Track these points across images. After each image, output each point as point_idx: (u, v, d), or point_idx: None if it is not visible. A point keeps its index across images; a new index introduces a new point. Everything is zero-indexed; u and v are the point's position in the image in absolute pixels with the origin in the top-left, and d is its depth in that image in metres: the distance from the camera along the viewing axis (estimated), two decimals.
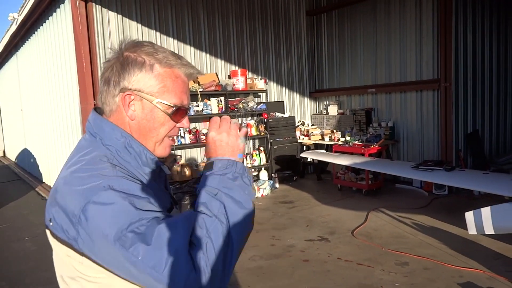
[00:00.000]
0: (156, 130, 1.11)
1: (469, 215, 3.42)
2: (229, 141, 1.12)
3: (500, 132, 8.35)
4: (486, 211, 3.28)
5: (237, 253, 1.01)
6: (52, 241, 1.07)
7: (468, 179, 4.83)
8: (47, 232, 1.08)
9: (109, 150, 1.08)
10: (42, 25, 8.56)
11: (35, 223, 6.77)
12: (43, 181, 9.75)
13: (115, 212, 0.94)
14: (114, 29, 7.04)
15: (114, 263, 0.96)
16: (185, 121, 1.16)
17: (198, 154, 8.29)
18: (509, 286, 3.79)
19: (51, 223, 1.04)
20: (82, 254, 0.99)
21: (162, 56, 1.09)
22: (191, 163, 7.84)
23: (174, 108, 1.11)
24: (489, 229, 3.29)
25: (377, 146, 7.55)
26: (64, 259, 1.05)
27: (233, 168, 1.07)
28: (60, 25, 7.42)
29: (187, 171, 7.36)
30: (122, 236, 0.91)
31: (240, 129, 1.16)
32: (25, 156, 11.91)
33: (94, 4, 6.73)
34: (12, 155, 15.09)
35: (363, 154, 7.26)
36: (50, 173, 9.12)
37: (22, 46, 10.87)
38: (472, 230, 3.45)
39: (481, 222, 3.29)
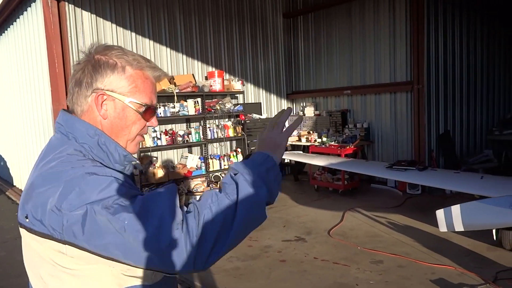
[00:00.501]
0: (128, 128, 1.16)
1: (439, 213, 3.52)
2: (278, 138, 1.15)
3: (471, 133, 8.62)
4: (455, 209, 3.38)
5: (235, 237, 1.00)
6: (29, 238, 1.06)
7: (440, 179, 4.96)
8: (22, 231, 1.08)
9: (83, 147, 1.11)
10: (12, 24, 8.31)
11: (5, 228, 6.55)
12: (14, 184, 9.45)
13: (101, 190, 0.97)
14: (87, 29, 6.90)
15: (99, 237, 0.95)
16: (153, 120, 1.21)
17: (174, 156, 8.21)
18: (478, 281, 3.91)
19: (27, 220, 1.04)
20: (64, 242, 0.99)
21: (132, 58, 1.15)
22: (168, 165, 7.76)
23: (145, 107, 1.16)
24: (458, 226, 3.39)
25: (352, 147, 7.67)
26: (43, 256, 1.05)
27: (264, 159, 1.08)
28: (31, 24, 7.22)
29: (163, 173, 7.28)
30: (110, 206, 0.95)
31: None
32: None
33: (66, 3, 6.58)
34: None
35: (339, 155, 7.36)
36: (21, 176, 8.85)
37: None
38: (442, 227, 3.55)
39: (451, 219, 3.39)
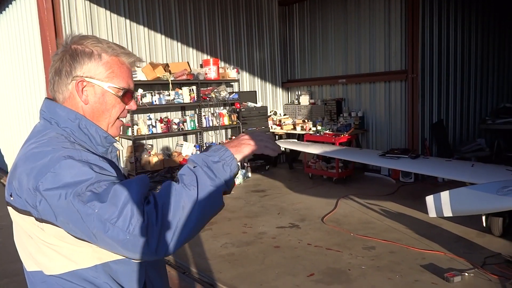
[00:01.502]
0: (109, 112, 1.23)
1: (429, 199, 3.59)
2: (244, 141, 1.20)
3: (464, 122, 8.70)
4: (445, 195, 3.45)
5: (195, 225, 1.05)
6: (15, 215, 1.12)
7: (432, 167, 5.03)
8: (9, 209, 1.14)
9: (65, 131, 1.17)
10: (4, 10, 8.22)
11: (0, 215, 6.57)
12: (8, 172, 9.44)
13: (74, 175, 1.01)
14: (81, 15, 6.84)
15: (72, 221, 1.00)
16: (132, 103, 1.28)
17: (170, 143, 8.23)
18: (466, 266, 4.00)
19: (11, 198, 1.10)
20: (41, 220, 1.05)
21: (107, 46, 1.22)
22: (164, 153, 7.79)
23: (123, 91, 1.23)
24: (447, 212, 3.47)
25: (347, 135, 7.72)
26: (28, 232, 1.11)
27: (222, 153, 1.13)
28: (24, 10, 7.15)
29: (159, 161, 7.31)
30: (82, 193, 0.99)
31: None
32: None
33: None
34: None
35: (333, 143, 7.41)
36: None
37: None
38: (432, 213, 3.62)
39: (440, 205, 3.46)
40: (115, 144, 1.26)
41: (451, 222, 5.18)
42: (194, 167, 1.09)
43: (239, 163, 1.16)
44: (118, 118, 1.26)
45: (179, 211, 1.02)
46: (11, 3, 7.73)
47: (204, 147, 8.19)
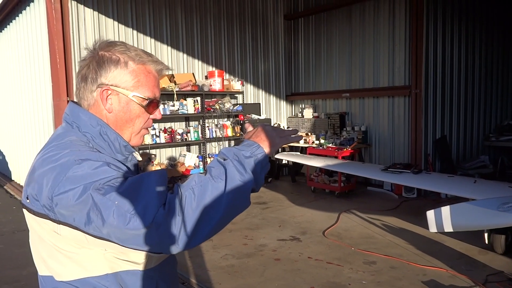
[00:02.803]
0: (132, 122, 1.21)
1: (430, 214, 3.58)
2: (273, 134, 1.17)
3: (467, 138, 8.68)
4: (445, 210, 3.44)
5: (220, 220, 1.03)
6: (31, 218, 1.11)
7: (434, 182, 5.02)
8: (25, 212, 1.13)
9: (85, 136, 1.16)
10: (14, 19, 8.36)
11: (2, 221, 6.59)
12: (12, 179, 9.49)
13: (93, 173, 1.01)
14: (90, 25, 6.95)
15: (92, 217, 0.98)
16: (157, 113, 1.25)
17: (173, 154, 8.27)
18: (468, 283, 3.97)
19: (28, 200, 1.09)
20: (58, 222, 1.04)
21: (134, 54, 1.19)
22: (169, 163, 7.82)
23: (148, 101, 1.21)
24: (448, 227, 3.45)
25: (350, 149, 7.73)
26: (42, 236, 1.10)
27: (255, 149, 1.10)
28: (33, 20, 7.27)
29: None
30: (100, 187, 0.99)
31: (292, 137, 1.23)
32: None
33: None
34: None
35: (336, 157, 7.42)
36: (19, 171, 8.89)
37: None
38: (432, 228, 3.60)
39: (441, 220, 3.44)
40: (134, 153, 1.25)
41: (453, 239, 5.15)
42: (224, 159, 1.07)
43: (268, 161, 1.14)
44: (142, 127, 1.24)
45: (203, 203, 1.00)
46: (21, 13, 7.88)
47: (210, 159, 8.21)
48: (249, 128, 1.25)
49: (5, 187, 9.18)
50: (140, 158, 1.29)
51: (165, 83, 7.48)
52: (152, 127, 7.45)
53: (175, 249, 1.00)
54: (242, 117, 8.60)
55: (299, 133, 9.33)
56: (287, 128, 1.18)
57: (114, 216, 0.96)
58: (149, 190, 0.99)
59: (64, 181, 1.00)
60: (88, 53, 1.21)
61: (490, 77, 8.99)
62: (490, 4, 8.72)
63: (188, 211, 0.99)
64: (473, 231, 4.76)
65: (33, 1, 7.19)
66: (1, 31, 9.58)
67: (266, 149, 1.13)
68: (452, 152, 8.30)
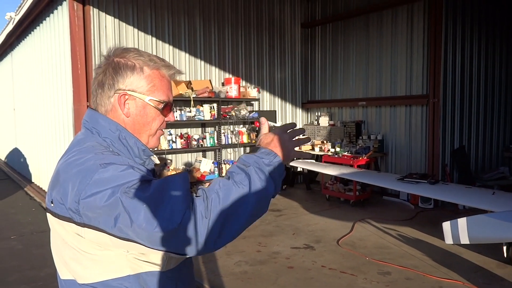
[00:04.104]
0: (149, 125, 1.25)
1: (446, 225, 3.53)
2: (289, 144, 1.21)
3: (487, 149, 8.53)
4: (462, 222, 3.38)
5: (243, 224, 1.06)
6: (54, 222, 1.14)
7: (451, 193, 4.94)
8: (48, 215, 1.17)
9: (105, 142, 1.20)
10: (38, 26, 8.62)
11: (21, 222, 6.74)
12: (32, 181, 9.71)
13: (119, 177, 1.04)
14: (110, 32, 7.12)
15: (119, 219, 1.01)
16: (171, 115, 1.31)
17: (188, 159, 8.34)
18: None
19: (52, 205, 1.13)
20: (83, 225, 1.06)
21: (148, 59, 1.23)
22: (185, 168, 7.89)
23: (164, 104, 1.25)
24: (464, 239, 3.39)
25: (365, 158, 7.67)
26: (65, 239, 1.13)
27: (272, 158, 1.14)
28: (56, 27, 7.48)
29: None
30: (128, 190, 1.01)
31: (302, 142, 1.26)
32: (15, 155, 11.85)
33: (91, 7, 6.81)
34: (2, 154, 14.98)
35: (351, 166, 7.37)
36: (40, 174, 9.09)
37: (17, 45, 10.89)
38: (448, 240, 3.54)
39: (457, 232, 3.39)
40: (152, 157, 1.28)
41: (470, 251, 5.05)
42: (247, 166, 1.10)
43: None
44: (158, 129, 1.28)
45: (228, 207, 1.03)
46: (45, 19, 8.11)
47: (226, 166, 8.26)
48: (265, 123, 1.29)
49: (25, 189, 9.40)
50: (158, 162, 1.32)
51: (182, 89, 7.58)
52: (168, 133, 7.55)
53: (201, 251, 1.03)
54: (257, 124, 8.64)
55: (313, 141, 9.32)
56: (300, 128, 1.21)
57: (143, 219, 0.98)
58: (175, 193, 1.01)
59: (91, 185, 1.03)
60: (103, 60, 1.24)
61: (510, 87, 8.84)
62: (510, 13, 8.59)
63: (214, 214, 1.02)
64: (491, 243, 4.67)
65: (56, 9, 7.40)
66: (26, 37, 9.88)
67: (283, 159, 1.18)
68: (471, 163, 8.16)
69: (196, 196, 1.05)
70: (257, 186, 1.08)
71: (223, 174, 8.17)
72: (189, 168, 7.98)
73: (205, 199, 1.03)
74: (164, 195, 1.01)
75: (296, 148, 1.24)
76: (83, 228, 1.07)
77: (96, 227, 1.05)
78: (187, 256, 1.08)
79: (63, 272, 1.18)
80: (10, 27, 9.56)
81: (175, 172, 7.35)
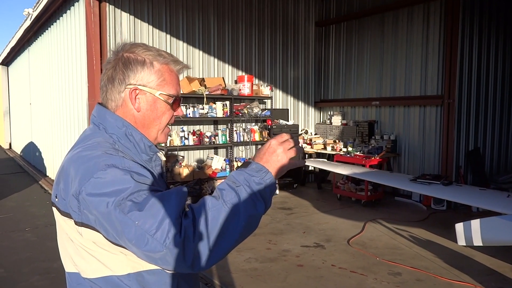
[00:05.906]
0: (159, 119, 1.25)
1: (459, 226, 3.48)
2: (280, 157, 1.15)
3: (502, 151, 8.39)
4: (475, 223, 3.34)
5: (233, 243, 1.05)
6: (59, 216, 1.16)
7: (464, 195, 4.88)
8: (54, 210, 1.18)
9: (111, 138, 1.20)
10: (55, 22, 8.75)
11: (36, 215, 6.87)
12: (47, 174, 9.88)
13: (116, 183, 1.03)
14: (125, 29, 7.19)
15: (111, 228, 1.03)
16: (179, 110, 1.31)
17: (200, 156, 8.39)
18: None
19: (56, 199, 1.14)
20: (81, 224, 1.08)
21: (157, 53, 1.23)
22: (197, 165, 7.94)
23: (173, 98, 1.26)
24: (477, 241, 3.34)
25: (378, 158, 7.61)
26: (69, 234, 1.15)
27: (264, 175, 1.10)
28: (73, 23, 7.59)
29: (189, 173, 7.45)
30: (122, 203, 1.00)
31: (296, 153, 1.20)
32: (31, 149, 12.07)
33: (107, 4, 6.89)
34: (18, 148, 15.27)
35: (363, 165, 7.33)
36: (54, 167, 9.24)
37: (34, 41, 11.08)
38: (461, 241, 3.50)
39: (470, 233, 3.34)
40: (158, 153, 1.27)
41: (483, 254, 4.98)
42: (237, 186, 1.07)
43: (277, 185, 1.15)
44: (167, 124, 1.28)
45: (217, 228, 1.02)
46: (62, 16, 8.23)
47: (237, 163, 8.29)
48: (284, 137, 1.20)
49: (40, 182, 9.57)
50: (163, 158, 1.32)
51: (195, 86, 7.61)
52: (181, 129, 7.60)
53: (189, 270, 1.02)
54: (270, 122, 8.64)
55: (326, 140, 9.28)
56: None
57: (133, 236, 0.99)
58: (169, 212, 1.00)
59: (89, 185, 1.03)
60: (112, 55, 1.24)
61: None
62: None
63: (202, 236, 1.01)
64: (506, 246, 4.60)
65: (73, 5, 7.50)
66: (43, 33, 10.04)
67: (274, 173, 1.13)
68: (486, 165, 8.03)
69: (185, 218, 1.02)
70: (247, 205, 1.05)
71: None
72: (200, 165, 8.02)
73: (193, 220, 1.01)
74: (157, 214, 0.99)
75: (292, 153, 1.18)
76: (81, 228, 1.09)
77: (92, 228, 1.07)
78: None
79: (68, 265, 1.20)
80: (27, 23, 9.72)
81: (187, 169, 7.40)
